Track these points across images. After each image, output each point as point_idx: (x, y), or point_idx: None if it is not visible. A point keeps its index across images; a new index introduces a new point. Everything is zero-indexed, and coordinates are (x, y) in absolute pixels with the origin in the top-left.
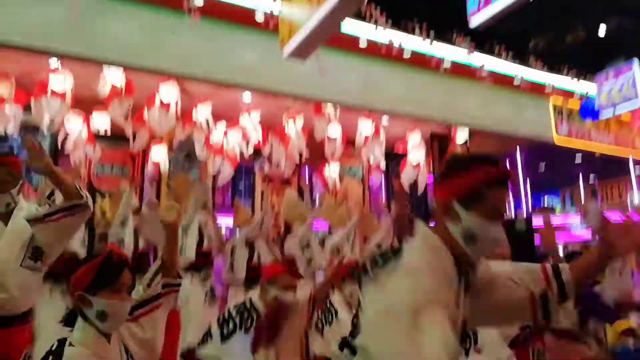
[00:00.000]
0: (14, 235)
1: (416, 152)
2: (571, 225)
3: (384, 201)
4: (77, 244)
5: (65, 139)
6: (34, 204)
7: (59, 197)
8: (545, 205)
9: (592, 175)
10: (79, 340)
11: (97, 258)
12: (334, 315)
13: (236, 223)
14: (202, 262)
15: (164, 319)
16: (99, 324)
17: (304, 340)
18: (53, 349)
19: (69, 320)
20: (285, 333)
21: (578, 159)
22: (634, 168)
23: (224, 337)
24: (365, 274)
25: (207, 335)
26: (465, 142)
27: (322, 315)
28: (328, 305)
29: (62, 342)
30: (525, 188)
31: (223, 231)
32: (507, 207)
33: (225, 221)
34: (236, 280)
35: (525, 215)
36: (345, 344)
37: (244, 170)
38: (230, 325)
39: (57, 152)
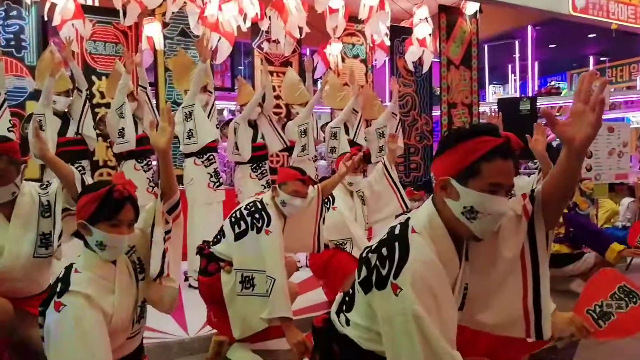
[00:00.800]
0: (20, 228)
1: (422, 27)
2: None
3: (387, 82)
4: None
5: (51, 11)
6: (34, 185)
7: (54, 183)
8: (552, 86)
9: (601, 58)
10: (83, 266)
11: (101, 190)
12: (330, 202)
13: (241, 102)
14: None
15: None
16: (98, 252)
17: (316, 234)
18: (60, 276)
19: (79, 234)
20: (298, 229)
21: (588, 40)
22: None
23: (237, 237)
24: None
25: (221, 234)
26: (475, 14)
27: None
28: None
29: (68, 269)
30: (532, 69)
31: (225, 113)
32: (511, 176)
33: (226, 104)
34: (242, 160)
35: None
36: (341, 311)
37: (243, 50)
38: (242, 225)
39: (45, 26)
